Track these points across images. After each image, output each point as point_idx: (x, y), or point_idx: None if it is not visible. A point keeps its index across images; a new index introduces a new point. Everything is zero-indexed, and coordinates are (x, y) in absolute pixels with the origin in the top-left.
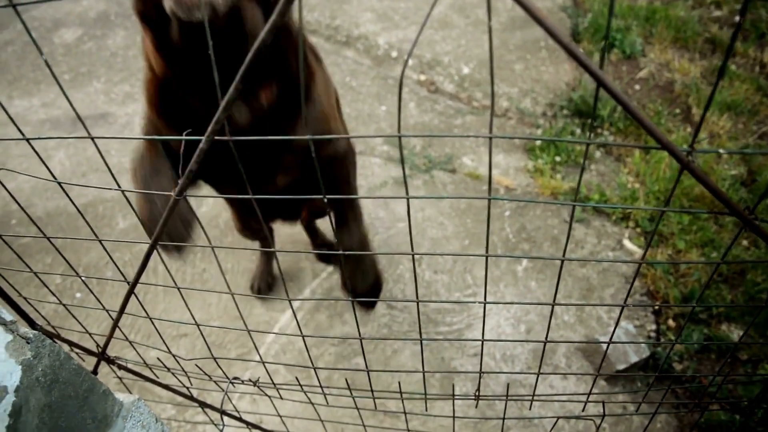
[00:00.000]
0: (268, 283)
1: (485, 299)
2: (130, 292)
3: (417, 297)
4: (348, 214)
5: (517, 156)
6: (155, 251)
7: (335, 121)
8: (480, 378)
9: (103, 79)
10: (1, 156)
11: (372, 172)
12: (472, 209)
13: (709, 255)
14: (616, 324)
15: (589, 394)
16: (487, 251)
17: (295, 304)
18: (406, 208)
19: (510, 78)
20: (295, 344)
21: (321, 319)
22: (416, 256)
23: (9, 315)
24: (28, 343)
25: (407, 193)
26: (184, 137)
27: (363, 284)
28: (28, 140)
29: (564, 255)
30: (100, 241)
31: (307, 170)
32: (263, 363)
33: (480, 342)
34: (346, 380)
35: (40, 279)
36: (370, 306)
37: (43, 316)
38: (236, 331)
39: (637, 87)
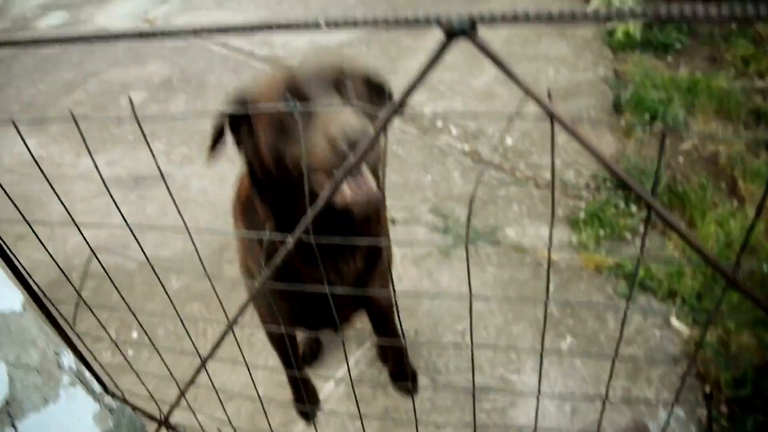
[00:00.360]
0: (312, 350)
1: (539, 391)
2: (201, 366)
3: (474, 390)
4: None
5: (560, 228)
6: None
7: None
8: None
9: (164, 140)
10: (65, 213)
11: (417, 241)
12: (516, 282)
13: (761, 335)
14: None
15: None
16: (542, 349)
17: (339, 374)
18: (469, 307)
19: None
20: (338, 414)
21: (364, 390)
22: (460, 328)
23: (98, 386)
24: (111, 412)
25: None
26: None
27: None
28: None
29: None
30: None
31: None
32: None
33: (525, 423)
34: None
35: (116, 345)
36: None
37: (110, 377)
38: (281, 397)
39: (681, 159)
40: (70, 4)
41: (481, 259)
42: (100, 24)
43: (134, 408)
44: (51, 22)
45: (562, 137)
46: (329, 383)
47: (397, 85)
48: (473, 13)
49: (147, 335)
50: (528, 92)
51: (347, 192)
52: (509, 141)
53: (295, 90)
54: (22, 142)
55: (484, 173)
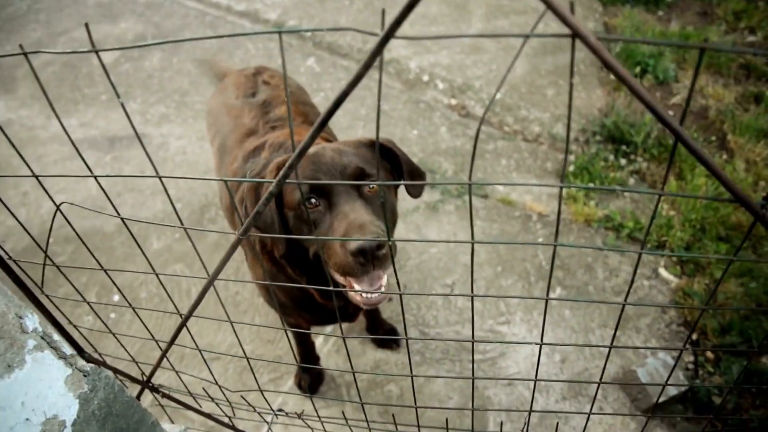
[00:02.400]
0: None
1: (542, 340)
2: (182, 325)
3: (473, 338)
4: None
5: (550, 181)
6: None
7: None
8: (529, 417)
9: (139, 100)
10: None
11: (404, 197)
12: (505, 235)
13: (748, 284)
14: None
15: None
16: (547, 295)
17: (328, 328)
18: (470, 254)
19: (542, 103)
20: (328, 368)
21: (353, 345)
22: (449, 282)
23: (68, 348)
24: (85, 376)
25: (473, 237)
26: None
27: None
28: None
29: (622, 300)
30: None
31: None
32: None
33: (516, 372)
34: (394, 416)
35: (90, 307)
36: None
37: (87, 341)
38: (269, 354)
39: (671, 113)
40: None
41: (468, 212)
42: None
43: (115, 370)
44: None
45: (550, 90)
46: (318, 339)
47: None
48: None
49: (125, 298)
50: (549, 4)
51: (358, 298)
52: (497, 95)
53: (317, 184)
54: None
55: (480, 128)
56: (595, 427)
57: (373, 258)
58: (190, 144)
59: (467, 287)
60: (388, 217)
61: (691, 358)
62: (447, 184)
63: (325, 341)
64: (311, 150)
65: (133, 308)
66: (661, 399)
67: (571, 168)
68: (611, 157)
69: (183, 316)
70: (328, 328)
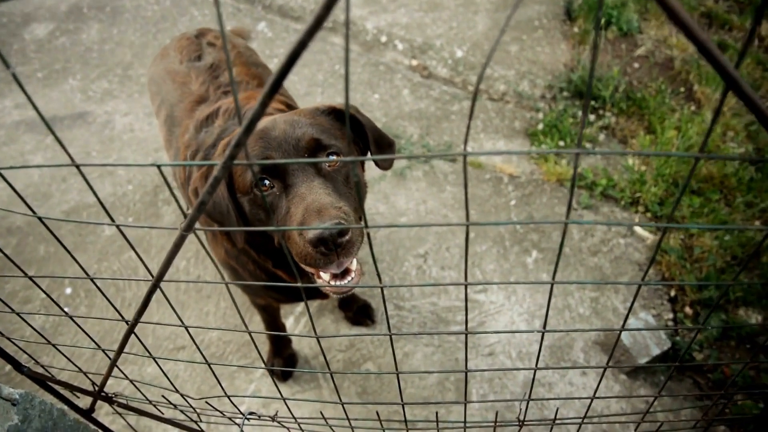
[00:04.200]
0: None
1: (545, 327)
2: (130, 332)
3: (467, 329)
4: None
5: (519, 142)
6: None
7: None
8: (527, 405)
9: (79, 76)
10: None
11: (369, 164)
12: (476, 200)
13: (722, 238)
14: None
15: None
16: (554, 279)
17: (298, 308)
18: (465, 235)
19: (506, 60)
20: (300, 352)
21: (326, 324)
22: (421, 252)
23: None
24: (14, 405)
25: (467, 218)
26: (198, 162)
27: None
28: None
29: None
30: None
31: None
32: (285, 401)
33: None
34: (381, 416)
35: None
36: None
37: (26, 353)
38: (237, 340)
39: (636, 65)
40: None
41: (438, 178)
42: None
43: (61, 383)
44: None
45: (514, 46)
46: (288, 320)
47: None
48: None
49: (62, 308)
50: None
51: (328, 288)
52: (459, 53)
53: (269, 163)
54: None
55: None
56: (579, 392)
57: (335, 246)
58: (137, 121)
59: (441, 256)
60: (354, 194)
61: (671, 315)
62: (439, 156)
63: (296, 322)
64: (260, 124)
65: (71, 317)
66: (646, 360)
67: (540, 126)
68: (579, 114)
69: (129, 323)
70: (299, 307)
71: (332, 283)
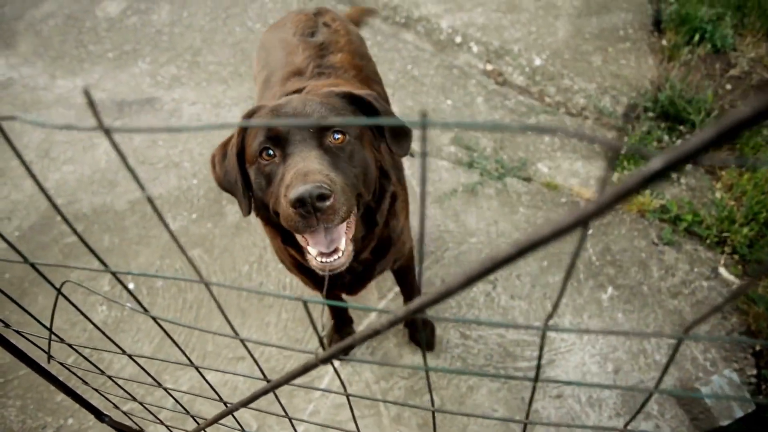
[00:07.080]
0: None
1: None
2: (224, 415)
3: (537, 377)
4: (414, 291)
5: (598, 164)
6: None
7: (408, 233)
8: None
9: (148, 59)
10: (45, 143)
11: (439, 177)
12: (551, 224)
13: None
14: None
15: None
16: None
17: (359, 328)
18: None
19: (587, 72)
20: (362, 375)
21: (389, 347)
22: (491, 277)
23: None
24: None
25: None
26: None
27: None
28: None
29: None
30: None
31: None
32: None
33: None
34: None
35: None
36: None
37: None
38: (298, 355)
39: (729, 86)
40: None
41: (511, 198)
42: None
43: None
44: None
45: (596, 57)
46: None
47: None
48: None
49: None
50: None
51: (313, 262)
52: (537, 61)
53: (275, 134)
54: None
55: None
56: None
57: (315, 210)
58: (205, 111)
59: (511, 284)
60: (357, 173)
61: (754, 371)
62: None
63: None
64: (278, 100)
65: (134, 360)
66: (727, 422)
67: (623, 150)
68: (665, 137)
69: (225, 406)
70: (366, 319)
71: (318, 258)
